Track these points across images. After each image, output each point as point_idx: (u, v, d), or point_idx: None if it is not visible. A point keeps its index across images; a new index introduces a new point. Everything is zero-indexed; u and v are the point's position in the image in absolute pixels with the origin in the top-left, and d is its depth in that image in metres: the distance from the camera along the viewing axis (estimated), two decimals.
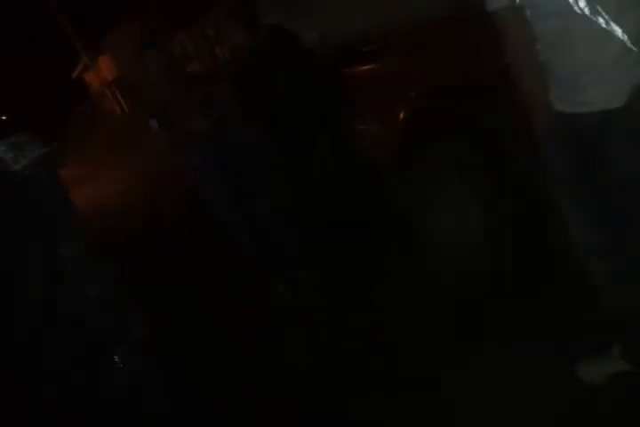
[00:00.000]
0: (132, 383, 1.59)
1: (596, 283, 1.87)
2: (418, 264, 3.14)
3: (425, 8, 2.80)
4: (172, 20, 13.14)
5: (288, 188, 3.73)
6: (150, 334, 1.76)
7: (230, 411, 2.65)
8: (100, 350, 1.52)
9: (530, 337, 2.34)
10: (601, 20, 1.43)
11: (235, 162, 3.33)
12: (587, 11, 1.44)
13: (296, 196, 3.79)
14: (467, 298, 2.73)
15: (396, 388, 2.47)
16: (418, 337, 2.71)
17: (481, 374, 2.30)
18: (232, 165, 3.33)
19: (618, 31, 1.43)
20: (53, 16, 23.30)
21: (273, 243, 3.51)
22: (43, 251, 1.33)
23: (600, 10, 1.42)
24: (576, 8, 1.45)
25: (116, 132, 18.53)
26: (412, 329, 2.79)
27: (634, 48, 1.43)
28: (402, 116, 2.90)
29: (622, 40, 1.43)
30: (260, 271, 3.68)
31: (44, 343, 1.34)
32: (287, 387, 2.74)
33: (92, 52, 24.88)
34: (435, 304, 2.86)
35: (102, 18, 20.97)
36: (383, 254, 3.55)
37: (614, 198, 1.67)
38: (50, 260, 1.34)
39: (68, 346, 1.40)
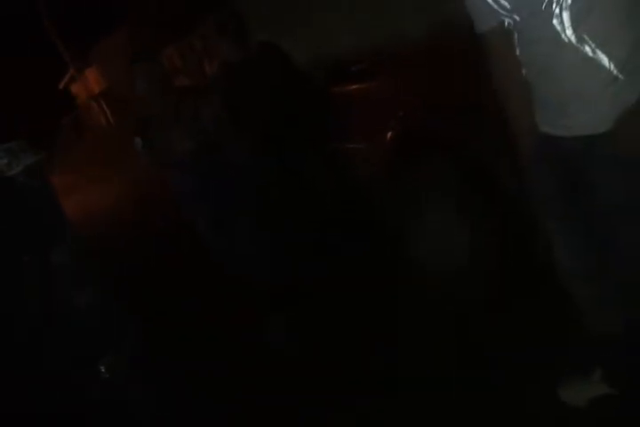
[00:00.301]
0: (125, 390, 1.58)
1: (580, 306, 1.89)
2: (406, 280, 3.15)
3: (413, 29, 2.84)
4: (160, 33, 13.16)
5: (278, 205, 3.69)
6: (144, 339, 1.76)
7: (227, 415, 2.64)
8: (93, 355, 1.52)
9: (513, 357, 2.36)
10: (587, 49, 1.45)
11: (223, 179, 3.28)
12: (573, 39, 1.46)
13: (286, 213, 3.75)
14: (453, 314, 2.75)
15: (395, 389, 2.49)
16: (413, 344, 2.73)
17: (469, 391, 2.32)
18: (220, 182, 3.27)
19: (604, 59, 1.45)
20: (42, 25, 23.28)
21: (257, 262, 3.46)
22: (35, 256, 1.34)
23: (586, 38, 1.45)
24: (563, 36, 1.47)
25: (102, 143, 18.47)
26: (406, 337, 2.81)
27: (620, 76, 1.46)
28: (390, 135, 2.93)
29: (609, 68, 1.46)
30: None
31: (39, 346, 1.35)
32: (285, 390, 2.75)
33: (80, 63, 24.86)
34: (424, 317, 2.86)
35: (90, 29, 20.99)
36: (375, 268, 3.54)
37: (598, 222, 1.69)
38: (42, 264, 1.35)
39: (62, 350, 1.40)
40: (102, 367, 1.50)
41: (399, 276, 3.28)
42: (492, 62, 1.75)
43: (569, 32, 1.46)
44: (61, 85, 29.75)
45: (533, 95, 1.69)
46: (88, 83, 25.57)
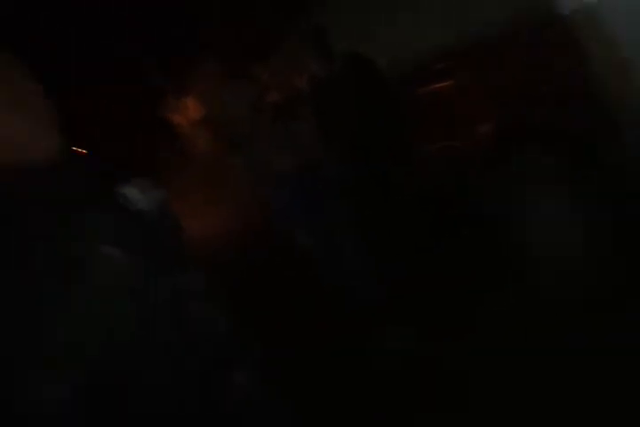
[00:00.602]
0: (251, 402, 1.64)
1: None
2: (516, 279, 3.05)
3: (495, 20, 2.77)
4: (248, 53, 13.39)
5: (373, 215, 3.62)
6: (266, 355, 1.81)
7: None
8: (223, 374, 1.58)
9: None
10: None
11: (322, 194, 3.29)
12: None
13: (383, 222, 3.69)
14: (569, 308, 2.64)
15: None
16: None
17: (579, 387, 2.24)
18: (319, 197, 3.29)
19: None
20: (138, 62, 24.47)
21: (363, 273, 3.43)
22: (168, 285, 1.41)
23: None
24: None
25: (206, 170, 19.04)
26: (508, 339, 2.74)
27: None
28: (486, 130, 2.87)
29: None
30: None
31: (168, 371, 1.41)
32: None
33: (177, 92, 25.93)
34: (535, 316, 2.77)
35: (184, 58, 21.82)
36: (478, 272, 3.44)
37: None
38: (174, 294, 1.42)
39: (193, 375, 1.47)
40: (236, 377, 1.56)
41: (510, 272, 3.19)
42: (582, 44, 1.70)
43: None
44: (162, 115, 31.06)
45: (632, 69, 1.62)
46: (188, 111, 26.62)
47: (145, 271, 1.32)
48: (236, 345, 1.66)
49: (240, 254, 7.62)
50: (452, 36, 3.25)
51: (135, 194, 1.43)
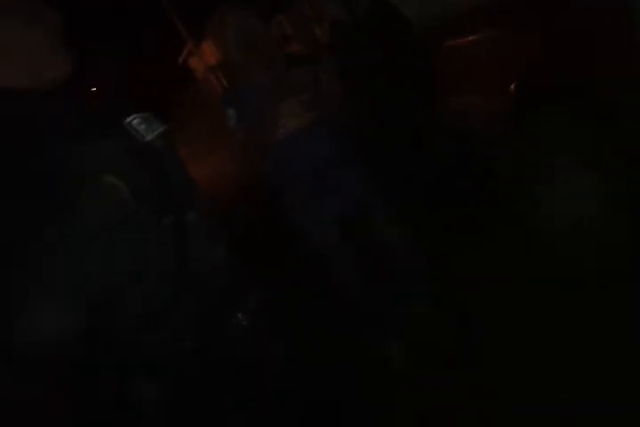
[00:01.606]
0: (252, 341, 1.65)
1: None
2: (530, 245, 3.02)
3: None
4: (270, 3, 13.16)
5: (391, 167, 3.48)
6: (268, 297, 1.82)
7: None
8: (225, 309, 1.59)
9: None
10: None
11: (344, 150, 2.93)
12: None
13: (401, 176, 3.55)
14: (582, 276, 2.61)
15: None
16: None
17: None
18: (341, 153, 2.92)
19: None
20: (160, 5, 24.06)
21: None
22: (174, 217, 1.39)
23: None
24: None
25: (218, 116, 18.96)
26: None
27: None
28: (512, 88, 2.78)
29: None
30: None
31: (174, 302, 1.40)
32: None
33: (197, 37, 25.55)
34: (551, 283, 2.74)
35: (203, 5, 21.44)
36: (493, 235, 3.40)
37: None
38: (180, 225, 1.43)
39: (196, 306, 1.48)
40: (240, 314, 1.57)
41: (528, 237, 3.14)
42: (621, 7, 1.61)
43: None
44: (180, 60, 30.72)
45: None
46: (205, 56, 26.26)
47: (147, 203, 1.30)
48: (238, 285, 1.65)
49: (244, 200, 7.67)
50: None
51: (141, 125, 1.41)
